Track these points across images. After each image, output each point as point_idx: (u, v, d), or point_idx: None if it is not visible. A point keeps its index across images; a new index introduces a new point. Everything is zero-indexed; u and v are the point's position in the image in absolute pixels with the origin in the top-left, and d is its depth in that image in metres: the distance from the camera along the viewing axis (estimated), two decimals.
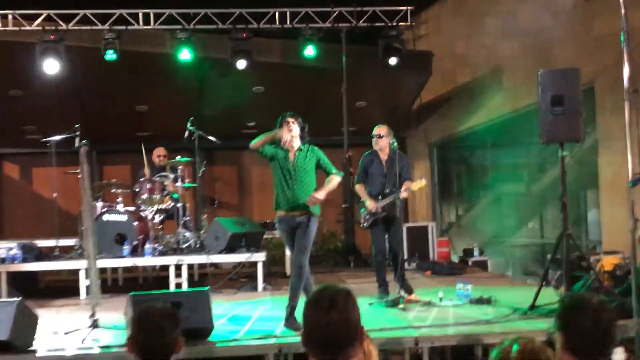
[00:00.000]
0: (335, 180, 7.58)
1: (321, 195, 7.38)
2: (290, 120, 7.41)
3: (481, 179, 17.65)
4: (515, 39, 15.19)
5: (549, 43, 14.08)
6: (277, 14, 12.32)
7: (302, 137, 7.49)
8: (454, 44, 16.77)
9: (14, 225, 16.01)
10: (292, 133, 7.33)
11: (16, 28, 11.92)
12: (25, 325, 6.79)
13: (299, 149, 7.44)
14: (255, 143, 7.42)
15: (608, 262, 9.13)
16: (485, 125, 16.29)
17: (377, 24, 12.56)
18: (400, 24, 12.76)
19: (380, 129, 9.13)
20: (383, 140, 9.02)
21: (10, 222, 16.28)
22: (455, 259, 13.27)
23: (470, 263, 12.68)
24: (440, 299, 8.50)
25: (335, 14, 12.45)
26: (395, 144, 8.86)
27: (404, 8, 12.64)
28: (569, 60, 11.83)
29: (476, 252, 13.03)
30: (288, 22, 12.36)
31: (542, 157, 15.17)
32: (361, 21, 12.52)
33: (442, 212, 17.20)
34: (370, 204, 8.86)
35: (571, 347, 3.08)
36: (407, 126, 16.75)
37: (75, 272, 10.33)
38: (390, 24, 12.54)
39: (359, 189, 9.13)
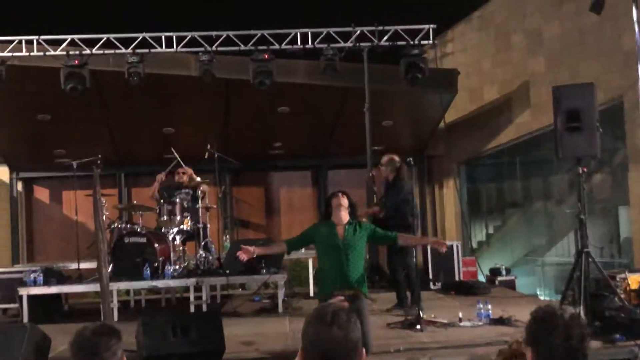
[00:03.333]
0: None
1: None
2: (338, 194, 7.12)
3: (511, 197, 17.44)
4: (542, 55, 15.09)
5: (576, 59, 13.95)
6: (298, 34, 12.26)
7: (352, 213, 7.10)
8: (480, 62, 16.67)
9: (45, 248, 16.21)
10: (341, 206, 7.00)
11: (41, 53, 12.03)
12: (38, 348, 6.83)
13: (348, 223, 7.03)
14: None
15: (634, 281, 8.88)
16: (514, 142, 16.14)
17: (398, 43, 12.41)
18: (423, 42, 12.59)
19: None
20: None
21: (41, 245, 16.45)
22: (482, 278, 13.04)
23: (497, 282, 12.45)
24: (460, 320, 8.39)
25: (356, 34, 12.37)
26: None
27: (426, 26, 12.45)
28: (597, 76, 11.67)
29: (503, 272, 12.79)
30: (310, 43, 12.29)
31: (572, 174, 14.94)
32: (383, 40, 12.38)
33: (471, 231, 16.99)
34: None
35: None
36: (435, 144, 16.61)
37: (98, 295, 10.39)
38: (412, 43, 12.39)
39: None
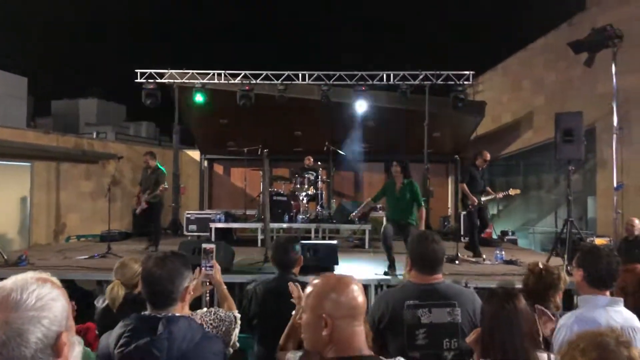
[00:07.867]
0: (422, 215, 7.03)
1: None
2: (394, 164, 7.08)
3: (515, 187, 17.10)
4: (542, 94, 14.78)
5: (565, 98, 13.63)
6: (384, 75, 12.42)
7: (404, 175, 7.02)
8: (500, 97, 16.41)
9: (219, 202, 16.73)
10: (396, 174, 7.00)
11: (225, 81, 12.56)
12: (227, 256, 7.27)
13: (402, 183, 7.03)
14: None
15: (599, 242, 8.76)
16: (520, 151, 15.87)
17: (449, 82, 12.43)
18: (465, 82, 12.57)
19: (487, 155, 9.04)
20: (488, 160, 9.02)
21: (217, 200, 17.00)
22: (495, 237, 12.93)
23: (505, 240, 12.36)
24: (484, 259, 8.46)
25: (422, 76, 12.44)
26: None
27: (467, 72, 12.44)
28: (579, 109, 11.40)
29: (510, 234, 12.67)
30: (392, 80, 12.43)
31: (558, 173, 14.61)
32: (439, 80, 12.43)
33: (489, 208, 16.79)
34: (473, 199, 8.67)
35: (588, 280, 2.86)
36: (467, 150, 16.44)
37: (254, 231, 10.84)
38: (458, 82, 12.39)
39: (464, 187, 8.80)
